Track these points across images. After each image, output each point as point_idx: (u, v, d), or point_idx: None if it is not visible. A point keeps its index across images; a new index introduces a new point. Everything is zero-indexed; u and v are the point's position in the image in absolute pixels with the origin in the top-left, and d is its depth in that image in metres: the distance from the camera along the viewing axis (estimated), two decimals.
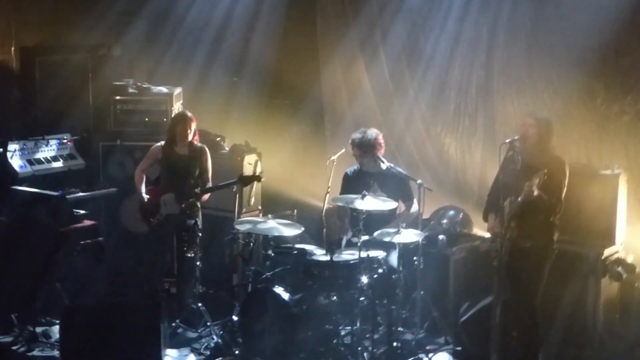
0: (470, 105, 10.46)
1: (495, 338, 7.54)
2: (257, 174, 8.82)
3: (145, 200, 8.88)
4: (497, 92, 10.17)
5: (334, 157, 8.69)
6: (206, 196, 8.88)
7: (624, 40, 9.13)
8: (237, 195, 8.82)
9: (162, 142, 9.01)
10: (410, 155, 10.59)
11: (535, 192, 7.34)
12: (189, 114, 9.00)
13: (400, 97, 10.86)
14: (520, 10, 9.82)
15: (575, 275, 8.32)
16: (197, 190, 8.71)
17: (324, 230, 8.62)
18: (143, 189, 8.93)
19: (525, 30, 9.83)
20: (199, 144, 9.03)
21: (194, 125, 8.93)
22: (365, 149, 8.69)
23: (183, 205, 8.68)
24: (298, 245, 8.45)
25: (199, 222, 8.82)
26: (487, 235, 8.09)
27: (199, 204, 8.92)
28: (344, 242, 8.64)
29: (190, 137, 8.90)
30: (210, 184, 8.98)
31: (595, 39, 9.11)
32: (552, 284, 7.89)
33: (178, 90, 10.31)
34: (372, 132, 8.76)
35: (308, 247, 8.48)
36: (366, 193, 8.24)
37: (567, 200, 7.77)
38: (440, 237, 9.13)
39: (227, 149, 10.12)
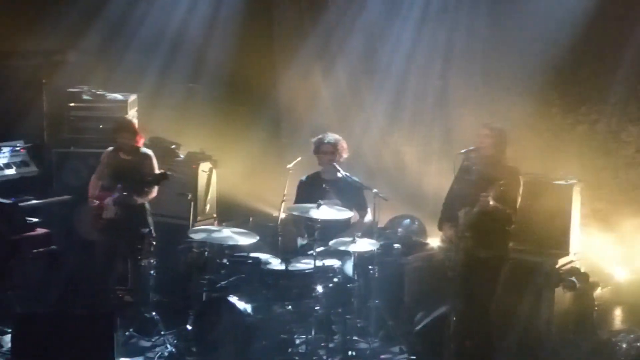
0: (426, 115, 10.53)
1: (449, 347, 7.58)
2: (163, 172, 8.74)
3: (92, 205, 8.81)
4: (453, 102, 10.25)
5: (291, 166, 8.72)
6: (145, 198, 8.81)
7: (579, 51, 9.25)
8: (192, 204, 8.78)
9: (111, 148, 8.95)
10: (367, 163, 10.59)
11: (491, 203, 7.38)
12: (130, 120, 8.98)
13: (357, 106, 10.90)
14: (478, 20, 9.92)
15: (530, 284, 8.36)
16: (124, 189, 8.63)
17: (280, 239, 8.61)
18: (95, 194, 8.87)
19: (482, 40, 9.93)
20: (144, 150, 8.96)
21: (137, 131, 8.87)
22: (337, 147, 8.74)
23: (115, 210, 8.61)
24: (253, 254, 8.41)
25: (152, 228, 8.77)
26: (442, 244, 8.10)
27: (147, 208, 8.86)
28: (299, 243, 8.68)
29: (133, 143, 8.83)
30: (155, 190, 8.87)
31: (552, 50, 9.25)
32: (506, 294, 7.95)
33: (133, 97, 10.24)
34: (336, 135, 8.86)
35: (263, 256, 8.42)
36: (322, 202, 8.22)
37: (521, 210, 7.81)
38: (396, 246, 9.15)
39: (182, 156, 10.08)
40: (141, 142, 8.93)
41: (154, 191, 8.83)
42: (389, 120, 10.73)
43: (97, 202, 8.78)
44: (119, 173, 8.78)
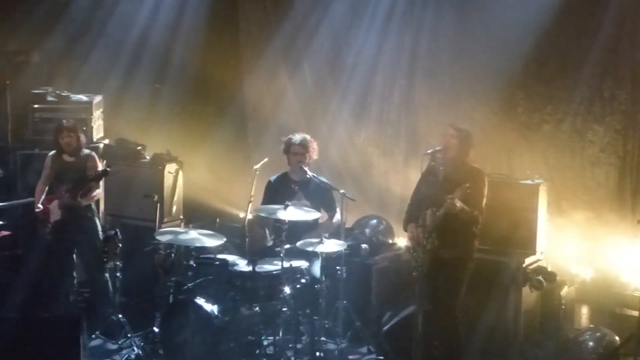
0: (393, 115, 10.53)
1: (417, 348, 7.58)
2: (104, 168, 8.72)
3: (37, 210, 8.80)
4: (419, 101, 10.24)
5: (258, 166, 8.67)
6: (90, 199, 8.78)
7: (545, 50, 9.28)
8: (158, 205, 8.75)
9: (53, 152, 8.93)
10: (334, 164, 10.60)
11: (458, 204, 7.41)
12: (68, 123, 8.88)
13: (324, 106, 10.90)
14: (444, 20, 9.92)
15: (497, 284, 8.37)
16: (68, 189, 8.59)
17: (247, 240, 8.54)
18: (40, 199, 8.84)
19: (448, 39, 9.93)
20: (87, 151, 8.93)
21: (76, 134, 8.82)
22: (308, 148, 8.72)
23: (60, 214, 8.61)
24: (220, 256, 8.38)
25: (100, 230, 8.80)
26: (408, 245, 8.12)
27: (94, 209, 8.85)
28: (267, 243, 8.67)
29: (73, 145, 8.79)
30: (100, 189, 8.90)
31: (518, 49, 9.24)
32: (473, 294, 7.93)
33: (98, 99, 10.18)
34: (305, 135, 8.84)
35: (230, 257, 8.40)
36: (289, 203, 8.21)
37: (488, 210, 7.79)
38: (363, 246, 9.16)
39: (148, 158, 10.01)
40: (83, 143, 8.88)
41: (98, 191, 8.86)
42: (356, 120, 10.73)
43: (42, 207, 8.76)
44: (63, 175, 8.76)
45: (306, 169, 8.64)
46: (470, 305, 7.99)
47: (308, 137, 8.81)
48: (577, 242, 9.09)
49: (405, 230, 8.09)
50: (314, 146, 8.80)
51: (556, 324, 8.69)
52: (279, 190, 8.77)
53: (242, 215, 9.22)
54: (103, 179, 8.74)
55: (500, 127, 9.55)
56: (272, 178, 8.97)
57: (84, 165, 8.78)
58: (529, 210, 8.58)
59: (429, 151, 7.79)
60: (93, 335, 8.61)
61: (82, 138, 8.90)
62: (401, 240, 9.43)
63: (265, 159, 8.81)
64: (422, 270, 7.54)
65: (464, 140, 7.79)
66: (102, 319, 8.77)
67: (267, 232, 8.82)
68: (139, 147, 10.03)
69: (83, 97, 10.08)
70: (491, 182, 7.97)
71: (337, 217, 8.76)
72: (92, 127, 9.92)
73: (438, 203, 7.52)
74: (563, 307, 8.75)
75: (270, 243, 8.67)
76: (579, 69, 9.10)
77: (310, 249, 8.11)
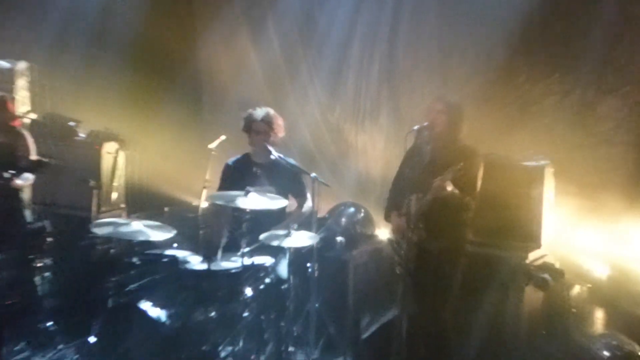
0: (372, 87, 10.60)
1: (401, 356, 7.56)
2: (40, 159, 8.71)
3: None
4: (403, 71, 10.31)
5: (214, 146, 8.59)
6: (21, 182, 8.72)
7: (549, 10, 9.32)
8: (95, 192, 8.70)
9: None
10: (305, 143, 10.67)
11: (448, 189, 7.40)
12: (2, 95, 8.90)
13: (293, 76, 10.94)
14: None
15: (494, 282, 8.38)
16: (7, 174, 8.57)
17: (201, 233, 8.52)
18: None
19: (435, 0, 9.98)
20: (19, 129, 8.92)
21: (9, 107, 8.84)
22: (272, 125, 8.68)
23: None
24: (169, 252, 8.29)
25: (28, 220, 8.75)
26: (391, 236, 8.11)
27: (21, 197, 8.81)
28: (221, 246, 8.60)
29: (5, 121, 8.82)
30: (30, 177, 8.86)
31: (518, 8, 9.26)
32: (465, 293, 7.93)
33: (22, 65, 10.15)
34: (269, 110, 8.79)
35: (181, 253, 8.30)
36: (250, 189, 8.13)
37: (483, 197, 7.81)
38: (338, 239, 9.21)
39: (82, 135, 9.98)
40: (17, 121, 8.88)
41: (28, 176, 8.83)
42: (330, 93, 10.79)
43: None
44: None
45: (271, 149, 8.59)
46: (462, 308, 8.00)
47: (272, 112, 8.78)
48: (589, 234, 9.09)
49: (387, 219, 8.12)
50: (280, 122, 8.77)
51: (565, 329, 8.69)
52: (238, 175, 8.74)
53: (195, 203, 9.14)
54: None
55: (498, 100, 9.64)
56: (231, 160, 8.93)
57: (14, 145, 8.77)
58: (532, 196, 8.59)
59: (414, 128, 7.78)
60: (17, 348, 8.51)
61: (10, 109, 8.83)
62: (382, 232, 9.47)
63: (223, 137, 8.71)
64: (406, 267, 7.52)
65: (454, 116, 7.81)
66: (29, 327, 8.68)
67: (222, 224, 8.79)
68: (72, 124, 9.98)
69: (4, 63, 10.05)
70: (487, 163, 7.93)
71: (308, 205, 8.76)
72: (14, 99, 9.85)
73: (424, 188, 7.51)
74: (573, 310, 8.76)
75: (226, 238, 8.62)
76: (589, 31, 9.12)
77: (275, 243, 8.01)
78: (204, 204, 8.53)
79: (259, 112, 8.73)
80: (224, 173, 8.90)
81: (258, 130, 8.69)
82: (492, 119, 9.53)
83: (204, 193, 8.46)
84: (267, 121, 8.69)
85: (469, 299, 8.11)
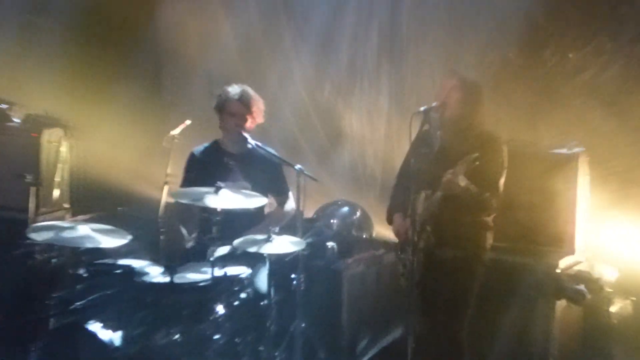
0: (370, 61, 10.63)
1: None
2: None
3: None
4: (407, 42, 10.33)
5: (176, 132, 8.55)
6: None
7: None
8: (33, 189, 8.65)
9: None
10: (288, 128, 10.71)
11: (462, 183, 7.33)
12: None
13: (273, 47, 10.97)
14: None
15: (518, 296, 8.40)
16: None
17: (162, 238, 8.48)
18: None
19: None
20: None
21: None
22: (251, 107, 8.64)
23: None
24: (123, 261, 8.27)
25: None
26: (394, 241, 8.10)
27: None
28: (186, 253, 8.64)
29: None
30: None
31: None
32: (484, 309, 7.97)
33: None
34: (245, 87, 8.77)
35: (138, 263, 8.28)
36: (221, 185, 8.05)
37: (505, 193, 7.77)
38: (329, 245, 9.17)
39: (17, 120, 9.96)
40: None
41: None
42: (318, 67, 10.85)
43: None
44: None
45: (247, 135, 8.52)
46: (480, 326, 8.01)
47: (252, 92, 8.76)
48: (633, 237, 9.07)
49: (389, 222, 8.12)
50: (260, 107, 8.79)
51: (604, 350, 8.74)
52: (206, 167, 8.74)
53: (155, 202, 9.06)
54: None
55: (521, 77, 9.70)
56: (196, 149, 8.93)
57: None
58: (564, 191, 8.61)
59: (421, 109, 7.70)
60: None
61: None
62: (383, 236, 9.45)
63: (188, 122, 8.69)
64: (413, 278, 7.49)
65: (471, 94, 7.77)
66: None
67: (189, 227, 8.82)
68: (3, 106, 9.97)
69: None
70: (510, 152, 7.90)
71: (292, 204, 8.77)
72: None
73: (434, 183, 7.50)
74: (614, 327, 8.75)
75: (193, 243, 8.63)
76: None
77: (253, 249, 7.96)
78: (165, 203, 8.49)
79: (236, 90, 8.73)
80: (189, 165, 8.89)
81: (232, 111, 8.68)
82: (514, 100, 9.62)
83: (166, 189, 8.45)
84: (245, 102, 8.70)
85: (488, 316, 8.15)
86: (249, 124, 8.68)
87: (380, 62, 10.55)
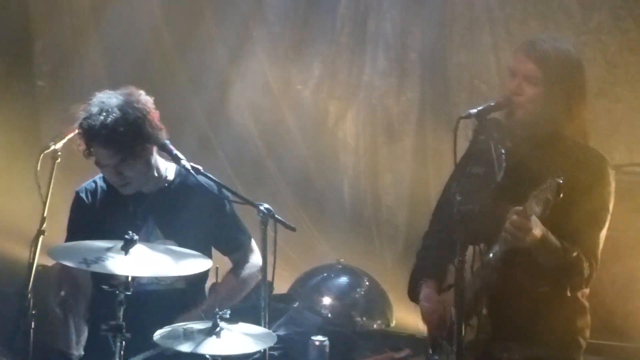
0: (386, 32, 10.61)
1: None
2: None
3: None
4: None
5: (58, 145, 8.21)
6: None
7: None
8: None
9: None
10: (244, 139, 10.56)
11: (537, 232, 6.95)
12: None
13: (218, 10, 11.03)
14: None
15: None
16: None
17: (33, 323, 8.07)
18: None
19: None
20: None
21: None
22: (115, 143, 8.17)
23: None
24: None
25: None
26: (423, 334, 7.85)
27: None
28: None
29: None
30: None
31: None
32: None
33: None
34: (130, 99, 8.30)
35: None
36: (134, 236, 7.69)
37: (610, 249, 7.48)
38: (317, 340, 8.94)
39: None
40: None
41: None
42: (295, 45, 11.08)
43: None
44: None
45: (179, 155, 8.19)
46: None
47: (133, 96, 8.32)
48: None
49: (413, 298, 7.78)
50: (152, 118, 8.29)
51: None
52: (102, 215, 8.58)
53: (23, 261, 8.78)
54: None
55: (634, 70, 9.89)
56: (83, 188, 8.68)
57: None
58: None
59: (472, 112, 7.28)
60: None
61: None
62: (406, 325, 9.23)
63: (76, 130, 8.29)
64: None
65: (560, 82, 7.40)
66: None
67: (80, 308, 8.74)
68: None
69: None
70: (620, 182, 7.56)
71: (256, 262, 8.57)
72: None
73: (492, 228, 7.10)
74: None
75: (85, 335, 8.62)
76: None
77: (185, 348, 7.63)
78: (37, 267, 8.11)
79: (99, 112, 8.19)
80: (75, 211, 8.70)
81: (103, 161, 8.28)
82: (624, 103, 9.75)
83: (40, 242, 8.05)
84: (117, 137, 8.15)
85: None
86: (148, 153, 8.33)
87: (402, 38, 10.78)
